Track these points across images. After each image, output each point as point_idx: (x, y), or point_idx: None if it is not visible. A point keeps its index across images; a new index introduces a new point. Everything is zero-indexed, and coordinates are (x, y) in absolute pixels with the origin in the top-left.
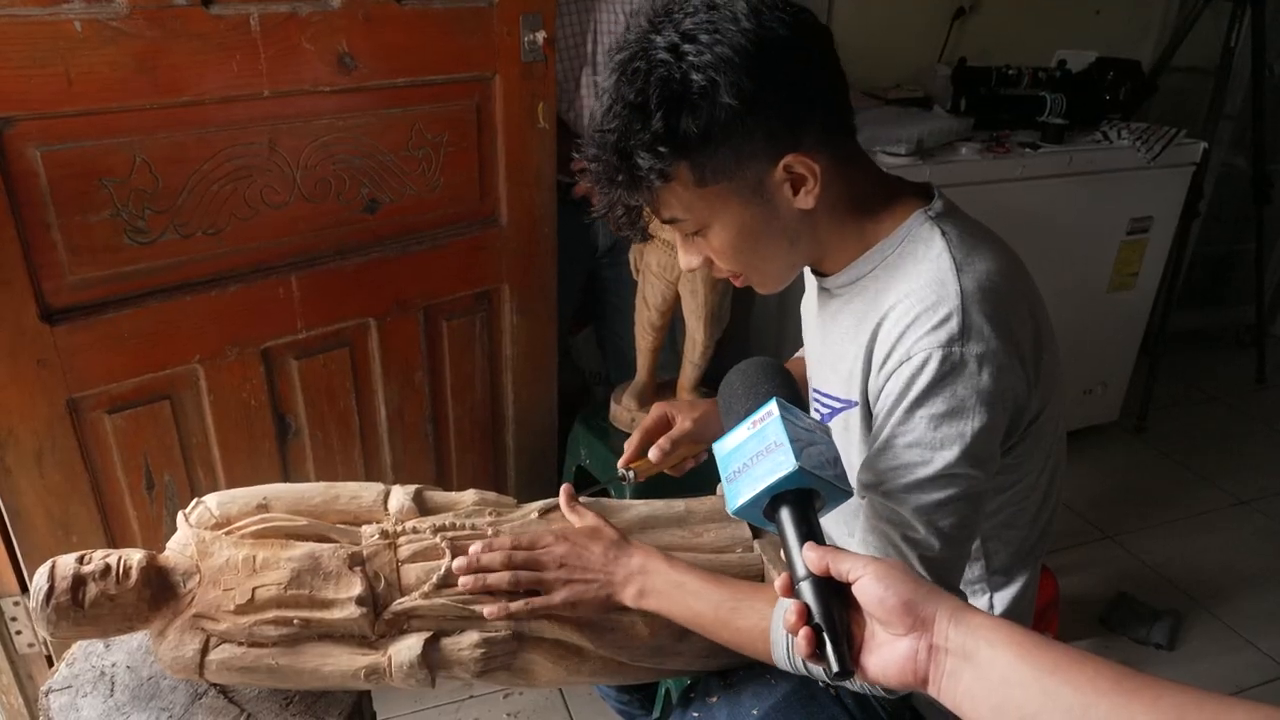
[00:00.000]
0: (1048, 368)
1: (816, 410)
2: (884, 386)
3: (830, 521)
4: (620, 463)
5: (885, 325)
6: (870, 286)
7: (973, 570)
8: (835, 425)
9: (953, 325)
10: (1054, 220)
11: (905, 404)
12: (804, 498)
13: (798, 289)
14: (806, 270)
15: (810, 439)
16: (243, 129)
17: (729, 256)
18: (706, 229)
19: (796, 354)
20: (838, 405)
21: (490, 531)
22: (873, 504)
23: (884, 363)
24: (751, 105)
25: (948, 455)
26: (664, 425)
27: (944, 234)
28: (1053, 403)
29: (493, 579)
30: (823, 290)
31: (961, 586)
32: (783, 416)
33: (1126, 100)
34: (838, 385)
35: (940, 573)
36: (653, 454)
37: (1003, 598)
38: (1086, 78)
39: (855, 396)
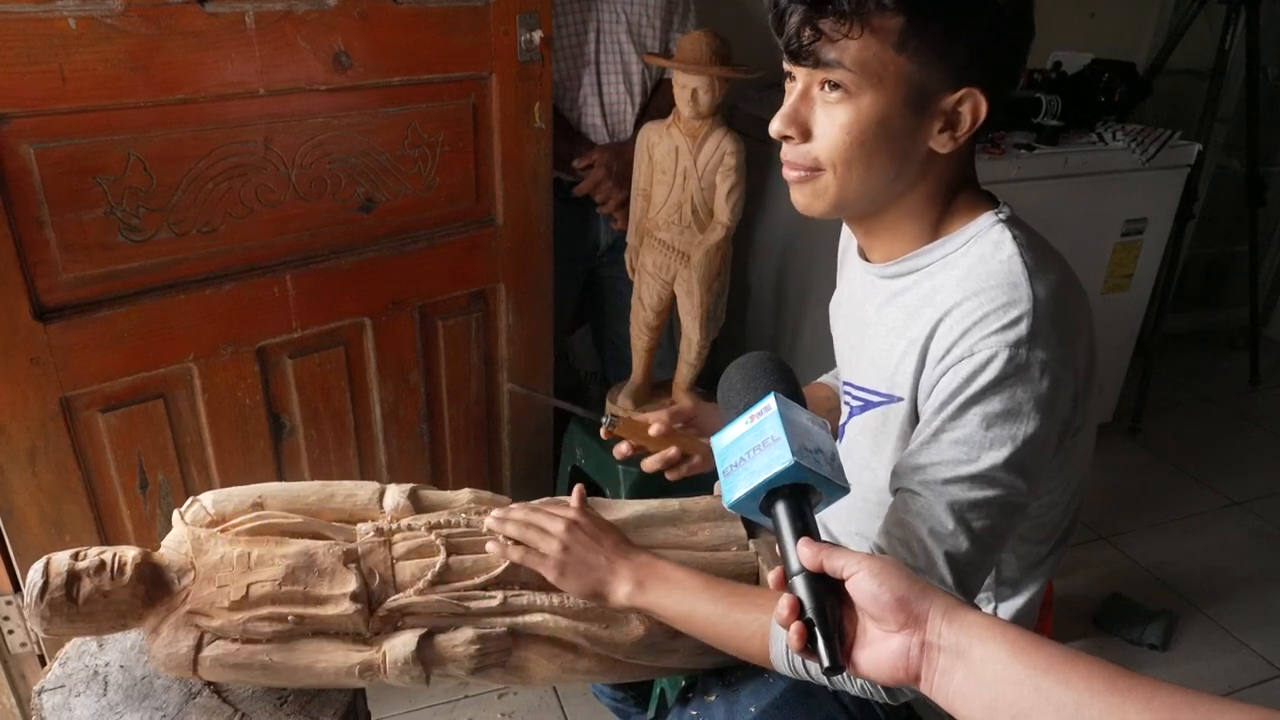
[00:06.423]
0: (1093, 387)
1: (848, 403)
2: (938, 382)
3: (830, 517)
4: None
5: (947, 322)
6: (925, 282)
7: None
8: (870, 419)
9: (1022, 328)
10: (1049, 222)
11: (960, 400)
12: (800, 492)
13: (799, 295)
14: (842, 264)
15: (808, 433)
16: (238, 127)
17: (837, 141)
18: (847, 99)
19: (815, 382)
20: (875, 399)
21: (486, 529)
22: (903, 498)
23: (941, 358)
24: (1000, 19)
25: (995, 456)
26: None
27: (1015, 238)
28: (1088, 423)
29: (510, 528)
30: (869, 278)
31: None
32: (780, 411)
33: (1122, 102)
34: (877, 379)
35: (962, 575)
36: (650, 418)
37: (1007, 609)
38: (1082, 79)
39: (900, 392)
